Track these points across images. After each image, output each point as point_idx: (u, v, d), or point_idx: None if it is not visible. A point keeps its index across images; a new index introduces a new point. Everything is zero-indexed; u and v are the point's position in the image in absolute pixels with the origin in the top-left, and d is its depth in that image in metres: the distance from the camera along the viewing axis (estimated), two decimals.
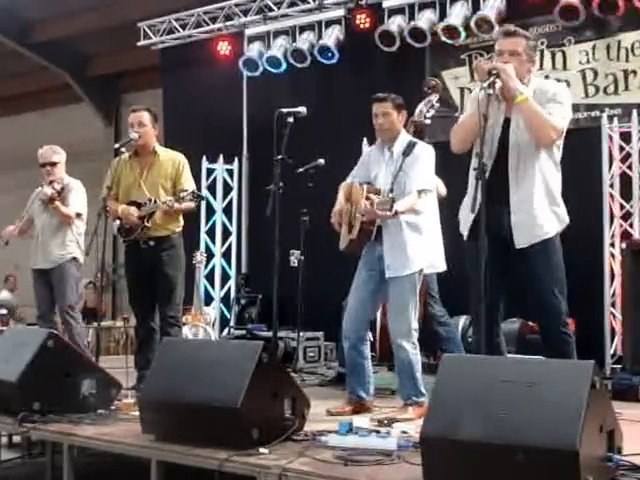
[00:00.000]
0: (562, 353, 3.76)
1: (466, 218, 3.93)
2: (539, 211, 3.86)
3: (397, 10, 8.00)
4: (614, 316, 6.54)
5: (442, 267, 4.81)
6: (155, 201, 5.25)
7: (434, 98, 5.50)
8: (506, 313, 4.30)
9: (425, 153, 4.54)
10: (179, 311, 5.49)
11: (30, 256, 6.31)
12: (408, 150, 4.49)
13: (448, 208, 5.49)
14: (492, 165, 3.86)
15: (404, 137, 4.62)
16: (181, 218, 5.47)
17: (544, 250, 3.86)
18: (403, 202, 4.36)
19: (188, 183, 5.41)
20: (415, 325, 4.44)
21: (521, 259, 3.88)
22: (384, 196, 4.33)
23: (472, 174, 3.69)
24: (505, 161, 3.89)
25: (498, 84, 3.74)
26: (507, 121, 3.93)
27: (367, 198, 4.32)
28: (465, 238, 3.99)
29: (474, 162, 3.76)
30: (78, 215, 6.19)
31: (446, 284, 5.80)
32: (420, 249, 4.45)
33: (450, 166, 5.41)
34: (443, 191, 5.57)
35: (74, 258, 6.14)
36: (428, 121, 5.40)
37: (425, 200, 4.48)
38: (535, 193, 3.86)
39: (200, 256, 8.03)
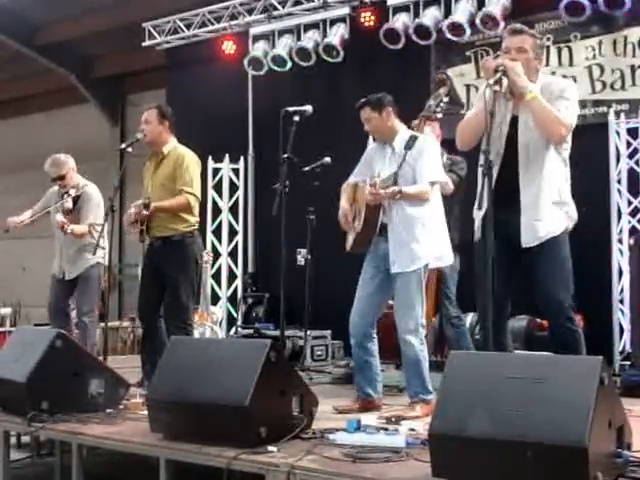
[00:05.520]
0: (571, 349, 3.74)
1: (477, 216, 3.92)
2: (547, 210, 3.84)
3: (402, 8, 7.98)
4: (622, 312, 6.53)
5: (450, 260, 4.71)
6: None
7: (443, 92, 5.45)
8: (514, 310, 4.30)
9: (428, 144, 4.52)
10: (186, 313, 5.25)
11: (54, 263, 6.24)
12: (410, 144, 4.45)
13: (458, 206, 5.50)
14: (499, 164, 3.84)
15: (403, 132, 4.58)
16: (189, 217, 5.29)
17: (551, 249, 3.84)
18: (410, 187, 4.36)
19: (184, 182, 5.23)
20: (422, 321, 4.43)
21: (528, 257, 3.87)
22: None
23: (479, 171, 3.68)
24: (513, 160, 3.87)
25: (505, 82, 3.73)
26: (514, 119, 3.91)
27: (371, 185, 4.35)
28: (475, 239, 3.97)
29: (481, 159, 3.75)
30: (91, 225, 6.08)
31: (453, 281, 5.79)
32: (425, 244, 4.41)
33: None
34: (451, 187, 5.55)
35: (98, 262, 6.10)
36: (439, 115, 5.36)
37: (434, 192, 4.48)
38: (543, 192, 3.84)
39: (207, 256, 8.03)
